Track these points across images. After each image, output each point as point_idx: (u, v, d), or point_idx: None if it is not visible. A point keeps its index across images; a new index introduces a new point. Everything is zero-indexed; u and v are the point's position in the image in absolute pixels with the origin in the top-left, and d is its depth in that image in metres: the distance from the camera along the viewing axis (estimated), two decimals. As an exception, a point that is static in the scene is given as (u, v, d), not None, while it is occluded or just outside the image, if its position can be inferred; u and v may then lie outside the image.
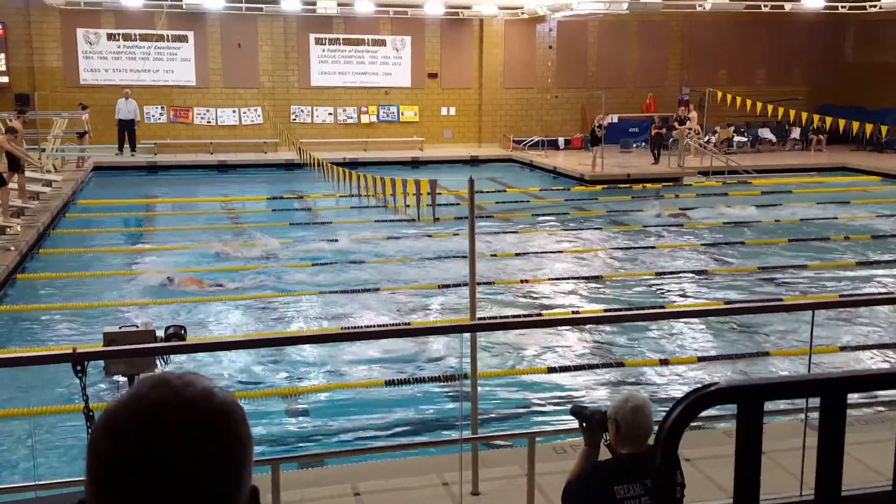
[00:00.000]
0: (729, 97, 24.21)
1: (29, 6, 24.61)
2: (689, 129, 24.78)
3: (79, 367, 3.63)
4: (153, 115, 26.18)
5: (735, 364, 9.19)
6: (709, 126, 26.21)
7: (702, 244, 15.19)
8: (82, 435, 4.17)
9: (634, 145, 27.54)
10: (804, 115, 25.30)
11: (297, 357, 9.19)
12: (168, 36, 25.71)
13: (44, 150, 20.75)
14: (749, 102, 24.04)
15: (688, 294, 12.11)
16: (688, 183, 22.30)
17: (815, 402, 1.41)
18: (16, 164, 16.08)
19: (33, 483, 4.53)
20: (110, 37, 25.60)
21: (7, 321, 10.58)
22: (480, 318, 7.70)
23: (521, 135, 28.07)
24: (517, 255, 14.26)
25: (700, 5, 25.30)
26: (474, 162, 26.32)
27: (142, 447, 0.91)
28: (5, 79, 24.52)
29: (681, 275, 13.11)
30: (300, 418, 7.93)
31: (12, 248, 13.10)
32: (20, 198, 16.15)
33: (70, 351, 3.68)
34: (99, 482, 0.92)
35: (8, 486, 4.97)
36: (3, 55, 24.36)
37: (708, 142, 25.51)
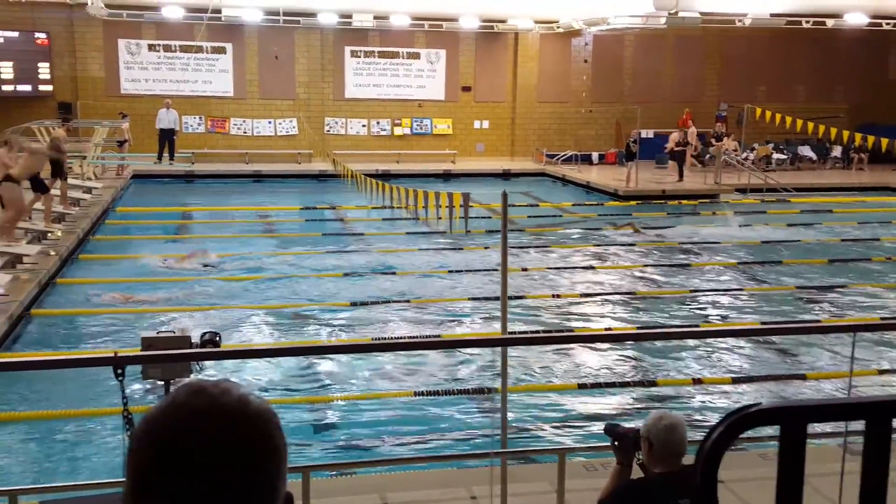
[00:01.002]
0: (768, 114, 23.94)
1: (72, 17, 25.13)
2: (726, 146, 24.55)
3: (119, 371, 3.69)
4: (191, 125, 26.55)
5: (770, 386, 9.04)
6: (747, 143, 25.95)
7: (739, 263, 15.00)
8: (121, 436, 4.22)
9: (670, 161, 27.33)
10: (846, 133, 24.93)
11: (328, 366, 9.22)
12: (207, 47, 26.09)
13: (85, 157, 21.13)
14: (789, 119, 23.77)
15: (723, 313, 11.96)
16: (724, 200, 22.07)
17: (854, 426, 1.38)
18: (58, 171, 16.39)
19: (73, 483, 4.59)
20: (151, 47, 26.05)
21: (47, 324, 10.75)
22: (511, 333, 7.67)
23: (555, 149, 28.02)
24: (549, 269, 14.20)
25: (739, 20, 25.10)
26: (506, 176, 26.30)
27: (180, 455, 0.93)
28: (49, 87, 25.03)
29: (716, 293, 12.96)
30: (330, 427, 7.95)
31: (53, 253, 13.33)
32: (62, 204, 16.46)
33: (111, 354, 3.73)
34: (138, 489, 0.94)
35: (49, 485, 5.05)
36: (47, 64, 24.87)
37: (746, 159, 25.25)
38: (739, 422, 1.29)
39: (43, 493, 4.59)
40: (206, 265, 13.09)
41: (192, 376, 4.39)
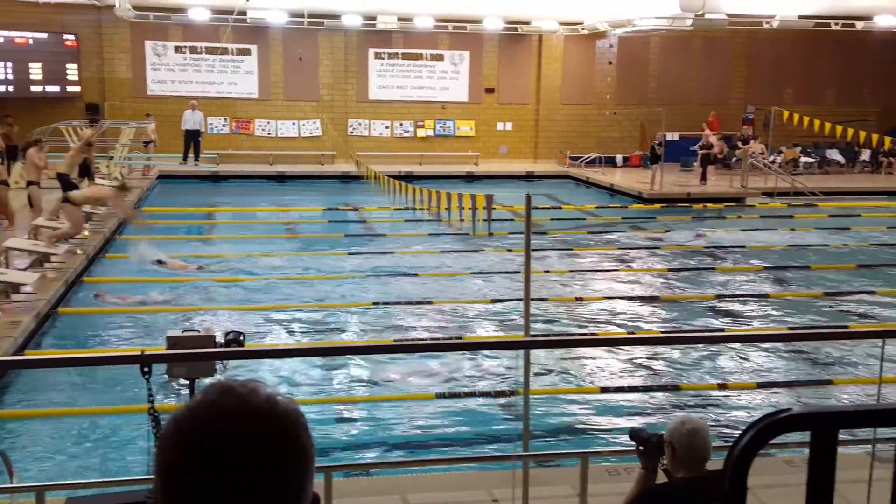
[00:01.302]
0: (796, 117, 23.70)
1: (100, 19, 25.41)
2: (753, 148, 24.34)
3: (146, 369, 3.72)
4: (216, 127, 26.74)
5: (797, 391, 8.95)
6: (774, 146, 25.71)
7: (765, 267, 14.85)
8: (147, 434, 4.26)
9: (695, 164, 27.14)
10: (874, 137, 24.61)
11: (349, 367, 9.24)
12: (232, 49, 26.28)
13: (112, 157, 21.36)
14: (817, 122, 23.51)
15: (749, 318, 11.85)
16: (751, 204, 21.87)
17: (882, 433, 1.35)
18: (86, 171, 16.59)
19: (99, 480, 4.64)
20: (177, 49, 26.28)
21: (73, 323, 10.87)
22: (534, 335, 7.64)
23: (578, 151, 27.92)
24: (572, 272, 14.14)
25: (767, 22, 24.88)
26: (529, 178, 26.25)
27: (207, 455, 0.93)
28: (77, 88, 25.32)
29: (742, 298, 12.84)
30: (352, 428, 7.97)
31: (80, 252, 13.48)
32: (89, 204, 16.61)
33: (138, 353, 3.77)
34: (166, 487, 0.94)
35: (75, 482, 5.10)
36: (75, 65, 25.15)
37: (773, 162, 25.02)
38: (769, 427, 1.27)
39: (69, 490, 4.63)
40: (199, 267, 13.41)
41: (217, 375, 4.42)
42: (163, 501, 0.94)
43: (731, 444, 1.31)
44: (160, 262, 13.14)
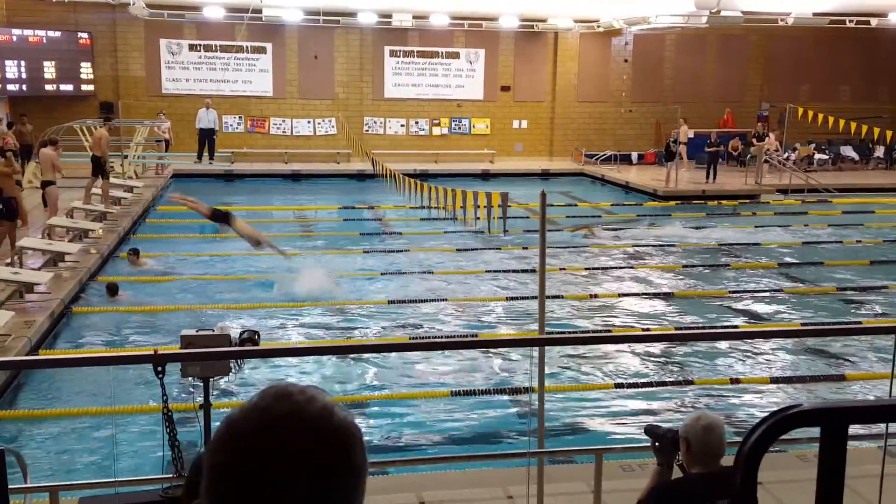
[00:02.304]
0: (810, 114, 23.56)
1: (115, 17, 25.53)
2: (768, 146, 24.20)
3: (159, 368, 3.74)
4: (231, 125, 26.83)
5: (809, 387, 8.90)
6: (788, 143, 25.55)
7: (778, 263, 14.78)
8: (160, 433, 4.29)
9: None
10: (889, 134, 24.43)
11: (364, 365, 9.26)
12: (247, 47, 26.35)
13: (126, 156, 21.47)
14: (831, 119, 23.36)
15: (763, 314, 11.79)
16: (765, 201, 21.76)
17: (894, 428, 1.35)
18: (100, 170, 16.68)
19: (112, 480, 4.66)
20: (192, 47, 26.38)
21: (87, 322, 10.94)
22: (549, 333, 7.63)
23: (594, 149, 27.84)
24: (587, 269, 14.11)
25: (782, 20, 24.71)
26: (545, 175, 26.20)
27: (255, 459, 0.92)
28: (91, 87, 25.46)
29: (756, 294, 12.78)
30: (367, 426, 7.98)
31: (94, 251, 13.57)
32: (103, 202, 16.73)
33: (152, 352, 3.79)
34: (213, 488, 0.94)
35: (88, 482, 5.14)
36: (89, 64, 25.29)
37: (787, 159, 24.87)
38: (780, 423, 1.27)
39: (82, 490, 4.67)
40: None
41: (231, 374, 4.44)
42: (209, 501, 0.94)
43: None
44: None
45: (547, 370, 5.54)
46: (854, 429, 1.29)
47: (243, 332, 4.51)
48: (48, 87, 24.49)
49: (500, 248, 15.35)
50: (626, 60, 29.02)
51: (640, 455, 5.72)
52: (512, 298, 12.07)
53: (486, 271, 13.82)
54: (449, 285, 12.93)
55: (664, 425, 3.64)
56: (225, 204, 20.57)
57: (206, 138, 24.44)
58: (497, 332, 10.73)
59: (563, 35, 28.21)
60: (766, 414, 1.30)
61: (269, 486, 0.91)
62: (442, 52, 27.85)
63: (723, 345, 9.92)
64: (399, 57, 27.66)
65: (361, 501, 0.98)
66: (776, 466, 5.67)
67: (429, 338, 10.21)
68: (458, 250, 15.36)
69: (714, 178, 23.30)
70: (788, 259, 15.17)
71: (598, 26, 27.35)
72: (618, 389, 8.72)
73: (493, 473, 5.94)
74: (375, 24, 26.22)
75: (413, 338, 10.22)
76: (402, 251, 15.20)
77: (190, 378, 4.23)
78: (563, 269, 13.92)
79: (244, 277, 13.23)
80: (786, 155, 25.12)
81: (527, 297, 11.65)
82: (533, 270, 12.56)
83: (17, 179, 14.65)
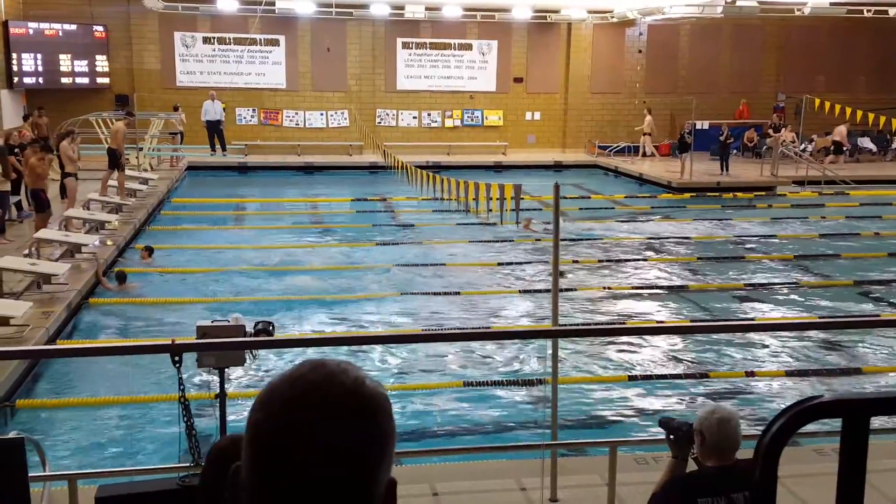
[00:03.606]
0: (827, 105, 23.35)
1: (129, 10, 25.61)
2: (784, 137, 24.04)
3: (176, 358, 3.76)
4: (245, 117, 26.88)
5: (826, 380, 8.85)
6: (805, 134, 25.36)
7: (795, 256, 14.69)
8: (177, 421, 4.31)
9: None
10: (907, 124, 24.18)
11: (378, 356, 9.28)
12: (261, 40, 26.37)
13: (141, 149, 21.56)
14: (849, 110, 23.14)
15: (779, 307, 11.73)
16: (781, 193, 21.62)
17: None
18: (116, 162, 16.77)
19: (130, 468, 4.70)
20: (206, 40, 26.43)
21: (103, 313, 11.01)
22: (562, 325, 7.62)
23: (607, 140, 27.73)
24: (600, 261, 14.08)
25: (798, 9, 24.50)
26: (558, 167, 26.12)
27: (295, 420, 0.98)
28: (106, 80, 25.56)
29: (772, 286, 12.71)
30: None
31: (110, 243, 13.65)
32: (119, 194, 16.82)
33: (169, 342, 3.82)
34: (254, 450, 1.00)
35: (106, 470, 5.18)
36: (104, 57, 25.39)
37: (804, 150, 24.69)
38: (800, 415, 1.26)
39: (101, 478, 4.70)
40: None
41: (247, 364, 4.46)
42: (250, 460, 1.00)
43: (760, 432, 1.30)
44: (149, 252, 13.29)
45: (560, 362, 5.54)
46: (873, 421, 1.28)
47: (258, 322, 4.53)
48: (64, 79, 24.61)
49: (512, 240, 15.34)
50: (640, 51, 28.86)
51: (654, 448, 5.71)
52: (525, 291, 12.06)
53: (499, 263, 13.81)
54: (462, 277, 12.93)
55: (679, 418, 3.63)
56: (239, 196, 20.72)
57: (214, 130, 24.44)
58: (511, 324, 10.73)
59: (577, 26, 28.08)
60: (781, 407, 1.29)
61: (303, 445, 0.97)
62: (454, 44, 27.78)
63: (738, 337, 9.88)
64: (411, 49, 27.62)
65: (390, 465, 1.04)
66: (792, 460, 5.64)
67: (442, 329, 10.21)
68: (470, 242, 15.35)
69: (727, 170, 23.17)
70: (805, 251, 15.08)
71: (612, 17, 27.21)
72: (631, 382, 8.70)
73: (507, 465, 5.95)
74: (388, 16, 26.18)
75: (426, 329, 10.22)
76: (414, 243, 15.20)
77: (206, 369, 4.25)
78: (577, 261, 13.90)
79: (258, 269, 13.27)
80: (802, 146, 24.94)
81: (540, 290, 11.63)
82: (546, 262, 12.55)
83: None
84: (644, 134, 26.27)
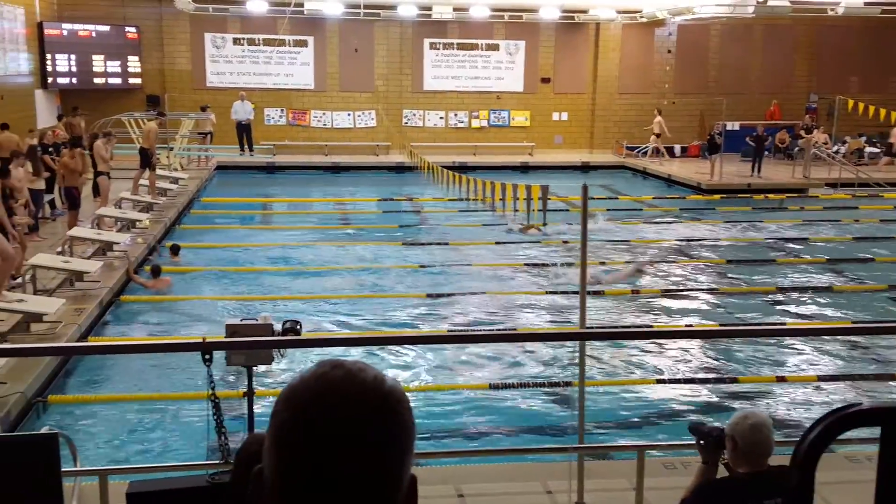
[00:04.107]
0: (861, 106, 23.00)
1: (161, 12, 25.90)
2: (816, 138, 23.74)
3: (207, 356, 3.79)
4: (273, 118, 27.06)
5: (858, 385, 8.72)
6: (838, 136, 25.02)
7: (827, 259, 14.49)
8: (207, 418, 4.34)
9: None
10: (942, 126, 23.76)
11: (404, 356, 9.29)
12: (289, 41, 26.54)
13: (171, 149, 21.79)
14: (883, 111, 22.79)
15: (810, 311, 11.58)
16: (814, 195, 21.34)
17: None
18: (147, 162, 16.97)
19: (160, 465, 4.75)
20: (236, 41, 26.65)
21: (134, 310, 11.13)
22: (590, 327, 7.58)
23: (635, 141, 27.53)
24: (627, 263, 13.98)
25: (831, 9, 24.18)
26: (585, 168, 26.00)
27: (317, 414, 0.99)
28: (138, 80, 25.87)
29: (803, 290, 12.55)
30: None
31: (141, 241, 13.80)
32: (150, 194, 17.01)
33: (200, 340, 3.84)
34: (278, 451, 1.01)
35: (137, 466, 5.23)
36: (136, 58, 25.70)
37: (836, 152, 24.37)
38: (839, 422, 1.24)
39: (131, 474, 4.75)
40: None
41: (274, 363, 4.48)
42: (274, 460, 1.01)
43: (791, 438, 1.27)
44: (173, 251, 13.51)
45: (588, 364, 5.51)
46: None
47: (286, 321, 4.55)
48: (97, 80, 24.95)
49: (540, 242, 15.28)
50: (669, 51, 28.65)
51: (682, 452, 5.66)
52: (552, 292, 12.01)
53: (526, 264, 13.77)
54: (488, 278, 12.90)
55: (707, 422, 3.60)
56: (267, 195, 20.85)
57: (244, 130, 24.63)
58: (537, 326, 10.69)
59: (605, 26, 27.93)
60: (813, 413, 1.27)
61: (326, 444, 0.98)
62: (482, 44, 27.75)
63: (769, 341, 9.76)
64: (439, 49, 27.63)
65: (411, 460, 1.06)
66: (824, 467, 5.56)
67: (468, 330, 10.20)
68: (497, 243, 15.32)
69: (759, 171, 22.92)
70: (837, 255, 14.86)
71: (642, 16, 27.02)
72: (659, 385, 8.63)
73: (533, 468, 5.92)
74: (415, 17, 26.22)
75: (452, 330, 10.21)
76: (440, 243, 15.20)
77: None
78: (604, 263, 13.81)
79: (285, 268, 13.35)
80: (835, 148, 24.61)
81: (567, 292, 11.58)
82: (573, 264, 12.48)
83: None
84: (654, 134, 26.07)
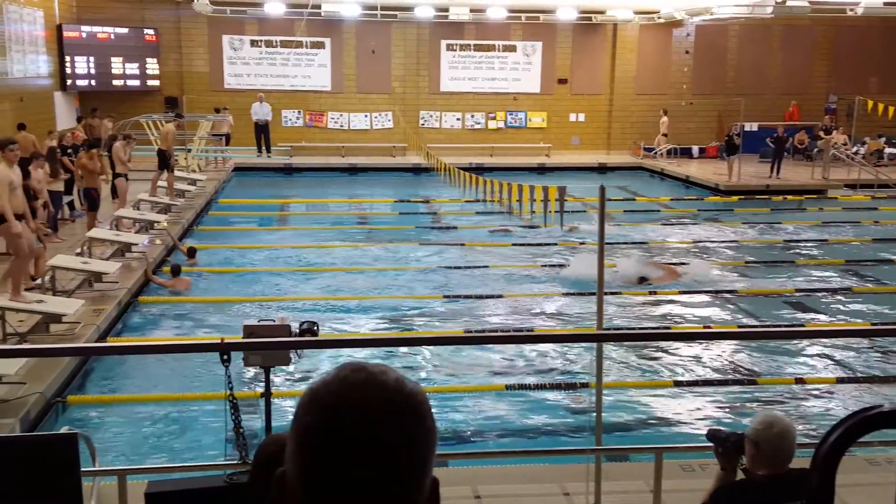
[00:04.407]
0: (881, 106, 22.82)
1: (179, 14, 26.07)
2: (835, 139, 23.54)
3: (225, 356, 3.80)
4: (290, 119, 27.16)
5: (876, 387, 8.64)
6: (857, 136, 24.81)
7: (846, 261, 14.37)
8: (225, 419, 4.36)
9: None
10: (964, 127, 23.54)
11: (420, 358, 9.30)
12: (307, 42, 26.63)
13: (189, 150, 21.92)
14: (902, 112, 22.59)
15: (829, 313, 11.48)
16: (833, 196, 21.17)
17: None
18: (165, 163, 17.08)
19: (179, 465, 4.77)
20: (253, 43, 26.77)
21: (152, 311, 11.20)
22: (607, 329, 7.55)
23: (653, 143, 27.43)
24: (646, 265, 13.91)
25: (851, 9, 23.99)
26: (602, 169, 25.92)
27: (340, 417, 1.00)
28: (156, 82, 26.05)
29: (822, 292, 12.45)
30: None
31: (159, 242, 13.89)
32: (168, 195, 17.12)
33: (218, 341, 3.86)
34: (301, 455, 1.01)
35: (155, 466, 5.26)
36: (155, 60, 25.88)
37: (856, 153, 24.16)
38: (859, 424, 1.23)
39: (150, 474, 4.78)
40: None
41: (291, 364, 4.50)
42: (299, 463, 1.02)
43: (810, 441, 1.27)
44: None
45: (605, 366, 5.49)
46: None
47: (303, 322, 4.57)
48: (116, 82, 25.14)
49: (556, 244, 15.25)
50: (687, 52, 28.52)
51: (700, 455, 5.62)
52: (569, 294, 11.98)
53: (543, 266, 13.74)
54: (505, 279, 12.89)
55: (725, 425, 3.57)
56: (284, 197, 20.93)
57: (262, 131, 24.75)
58: (554, 327, 10.66)
59: (623, 27, 27.84)
60: (832, 414, 1.26)
61: (349, 445, 0.99)
62: (499, 46, 27.74)
63: (787, 343, 9.69)
64: (455, 50, 27.64)
65: (433, 462, 1.05)
66: (843, 470, 5.51)
67: (485, 331, 10.19)
68: (513, 244, 15.30)
69: (778, 172, 22.76)
70: (857, 256, 14.74)
71: (659, 17, 26.92)
72: (677, 388, 8.59)
73: (550, 469, 5.91)
74: (432, 18, 26.25)
75: (468, 331, 10.21)
76: (457, 245, 15.20)
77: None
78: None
79: (302, 269, 13.39)
80: (854, 149, 24.40)
81: (584, 294, 11.54)
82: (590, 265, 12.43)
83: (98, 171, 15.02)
84: (662, 134, 25.99)
